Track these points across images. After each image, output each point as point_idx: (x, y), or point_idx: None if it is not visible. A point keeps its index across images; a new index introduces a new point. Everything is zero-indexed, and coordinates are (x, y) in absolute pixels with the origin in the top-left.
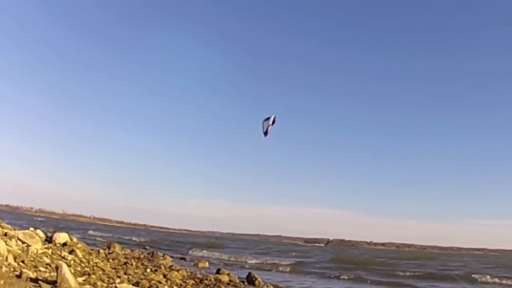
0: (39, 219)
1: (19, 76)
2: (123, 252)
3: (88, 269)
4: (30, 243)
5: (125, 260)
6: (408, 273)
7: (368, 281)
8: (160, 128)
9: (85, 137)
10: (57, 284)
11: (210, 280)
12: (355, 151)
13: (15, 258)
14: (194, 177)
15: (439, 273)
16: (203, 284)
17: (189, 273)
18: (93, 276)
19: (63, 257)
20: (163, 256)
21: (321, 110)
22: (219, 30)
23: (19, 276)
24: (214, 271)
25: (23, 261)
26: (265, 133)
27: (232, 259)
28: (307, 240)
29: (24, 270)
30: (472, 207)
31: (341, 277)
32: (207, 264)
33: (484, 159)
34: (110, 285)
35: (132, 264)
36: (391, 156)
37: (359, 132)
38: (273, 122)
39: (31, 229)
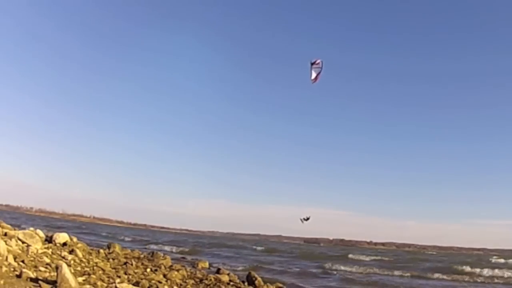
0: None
1: (19, 76)
2: (123, 252)
3: (88, 269)
4: (30, 243)
5: (125, 260)
6: None
7: None
8: (160, 128)
9: (85, 137)
10: (57, 284)
11: (210, 280)
12: (355, 152)
13: (15, 258)
14: (194, 177)
15: None
16: (203, 284)
17: (189, 273)
18: (93, 276)
19: (63, 257)
20: (163, 256)
21: (322, 110)
22: (220, 31)
23: (19, 276)
24: (214, 271)
25: (23, 261)
26: (314, 79)
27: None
28: (307, 240)
29: (24, 270)
30: (472, 207)
31: None
32: (207, 264)
33: (484, 159)
34: (110, 285)
35: (132, 264)
36: (391, 156)
37: (359, 132)
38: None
39: (31, 229)
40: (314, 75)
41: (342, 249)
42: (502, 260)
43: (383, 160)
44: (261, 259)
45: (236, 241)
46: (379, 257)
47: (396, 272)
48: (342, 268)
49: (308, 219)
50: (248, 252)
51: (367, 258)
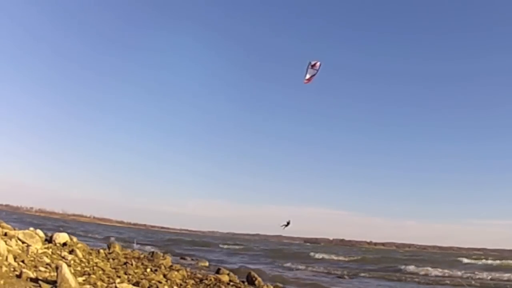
0: None
1: (19, 76)
2: (123, 252)
3: (88, 269)
4: (30, 243)
5: (125, 260)
6: None
7: None
8: (160, 128)
9: (85, 137)
10: (57, 284)
11: (210, 280)
12: (355, 151)
13: (15, 258)
14: (194, 177)
15: None
16: (203, 284)
17: (189, 273)
18: (93, 276)
19: (63, 257)
20: (163, 256)
21: (322, 110)
22: (219, 31)
23: (19, 276)
24: (214, 271)
25: (23, 261)
26: (308, 79)
27: None
28: (307, 240)
29: (24, 270)
30: (472, 207)
31: None
32: (207, 264)
33: (484, 159)
34: (110, 285)
35: (132, 264)
36: (391, 156)
37: (359, 132)
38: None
39: (31, 229)
40: (308, 76)
41: (314, 247)
42: (479, 262)
43: (383, 160)
44: (218, 259)
45: (223, 240)
46: (345, 257)
47: (339, 272)
48: (293, 266)
49: (288, 224)
50: (215, 250)
51: (330, 257)
